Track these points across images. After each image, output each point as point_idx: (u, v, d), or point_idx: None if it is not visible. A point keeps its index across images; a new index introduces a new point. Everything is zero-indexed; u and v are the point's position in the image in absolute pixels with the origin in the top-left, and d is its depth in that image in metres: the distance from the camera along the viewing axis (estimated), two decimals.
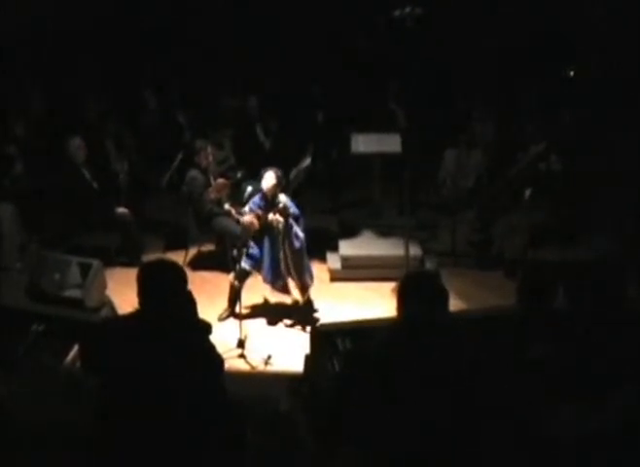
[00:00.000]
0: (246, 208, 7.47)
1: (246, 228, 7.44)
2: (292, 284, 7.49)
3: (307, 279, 7.51)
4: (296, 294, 7.52)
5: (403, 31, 7.33)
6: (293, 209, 7.35)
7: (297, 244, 7.29)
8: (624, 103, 8.87)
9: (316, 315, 7.61)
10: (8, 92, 10.38)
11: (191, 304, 4.13)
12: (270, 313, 7.67)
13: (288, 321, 7.56)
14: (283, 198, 7.32)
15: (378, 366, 2.99)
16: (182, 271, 3.77)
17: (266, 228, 7.31)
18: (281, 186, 7.44)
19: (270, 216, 7.27)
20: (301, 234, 7.33)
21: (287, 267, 7.35)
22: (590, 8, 9.44)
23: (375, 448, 2.84)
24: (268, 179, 7.34)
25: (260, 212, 7.31)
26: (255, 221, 7.33)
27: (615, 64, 9.15)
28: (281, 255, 7.30)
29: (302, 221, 7.46)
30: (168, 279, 3.69)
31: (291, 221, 7.26)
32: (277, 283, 7.44)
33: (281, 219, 7.22)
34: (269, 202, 7.35)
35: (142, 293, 3.65)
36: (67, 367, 5.25)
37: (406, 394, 2.75)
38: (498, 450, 3.19)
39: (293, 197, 7.72)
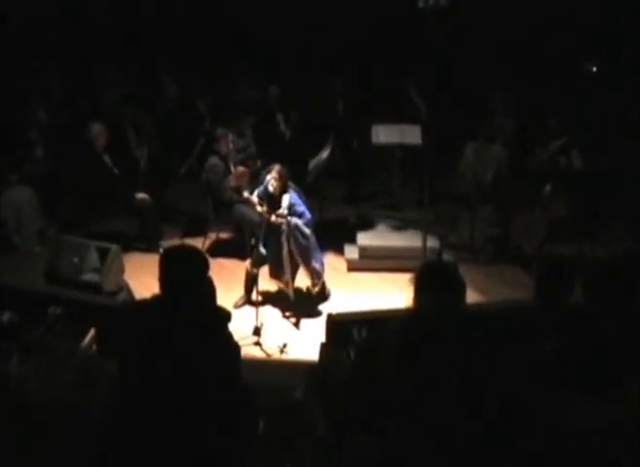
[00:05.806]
0: (254, 195, 7.50)
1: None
2: (304, 273, 7.47)
3: (317, 268, 7.48)
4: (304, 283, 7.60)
5: (426, 22, 7.30)
6: (297, 207, 7.29)
7: (303, 242, 7.27)
8: None
9: (332, 304, 7.60)
10: (30, 77, 10.43)
11: (211, 291, 4.13)
12: (287, 302, 7.64)
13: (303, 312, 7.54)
14: (285, 202, 7.25)
15: (392, 355, 3.00)
16: (204, 258, 3.74)
17: (269, 227, 7.25)
18: (282, 182, 7.30)
19: (273, 218, 7.24)
20: (307, 231, 7.28)
21: (292, 263, 7.31)
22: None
23: (389, 435, 2.85)
24: (270, 173, 7.33)
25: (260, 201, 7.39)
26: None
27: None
28: (284, 253, 7.25)
29: (308, 217, 7.35)
30: (191, 265, 3.67)
31: (295, 220, 7.22)
32: (280, 277, 7.41)
33: (282, 220, 7.20)
34: (274, 198, 7.32)
35: (164, 278, 3.64)
36: (84, 350, 5.28)
37: (419, 383, 2.75)
38: (513, 444, 3.18)
39: (311, 187, 7.67)
